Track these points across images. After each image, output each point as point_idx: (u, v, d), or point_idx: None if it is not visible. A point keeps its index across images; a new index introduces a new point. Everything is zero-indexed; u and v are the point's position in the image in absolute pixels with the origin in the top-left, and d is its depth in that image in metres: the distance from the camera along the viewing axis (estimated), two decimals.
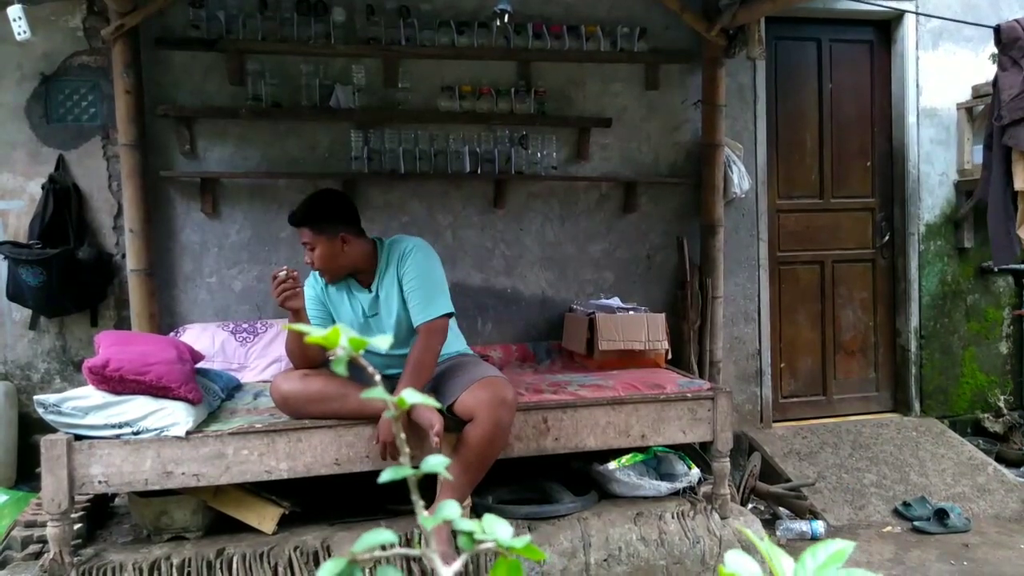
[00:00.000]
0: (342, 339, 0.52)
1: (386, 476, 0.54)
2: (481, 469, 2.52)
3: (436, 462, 0.55)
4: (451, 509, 0.53)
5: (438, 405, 0.69)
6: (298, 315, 2.51)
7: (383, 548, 0.53)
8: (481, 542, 0.51)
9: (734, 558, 0.69)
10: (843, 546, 0.71)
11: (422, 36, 3.63)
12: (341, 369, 0.53)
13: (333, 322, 2.76)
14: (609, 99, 3.94)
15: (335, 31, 3.54)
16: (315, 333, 0.54)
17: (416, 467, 0.57)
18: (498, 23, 3.54)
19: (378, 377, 0.57)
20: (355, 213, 2.70)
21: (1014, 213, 3.29)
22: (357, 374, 2.31)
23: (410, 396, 0.54)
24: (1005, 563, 3.05)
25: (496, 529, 0.51)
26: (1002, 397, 4.47)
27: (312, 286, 2.74)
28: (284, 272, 2.45)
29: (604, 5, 3.90)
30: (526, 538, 0.51)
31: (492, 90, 3.73)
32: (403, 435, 0.54)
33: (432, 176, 3.70)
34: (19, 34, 2.69)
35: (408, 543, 2.60)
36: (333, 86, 3.57)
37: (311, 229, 2.58)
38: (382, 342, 0.55)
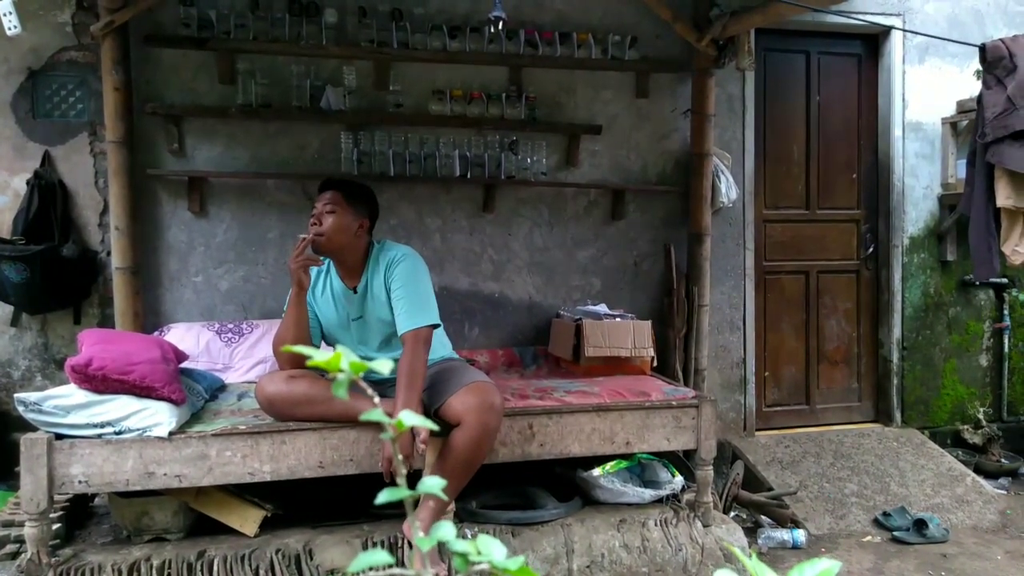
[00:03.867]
0: (343, 362, 0.52)
1: (383, 497, 0.54)
2: (467, 474, 2.52)
3: (433, 483, 0.55)
4: (446, 530, 0.53)
5: (435, 428, 0.69)
6: (301, 293, 2.55)
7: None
8: (475, 563, 0.51)
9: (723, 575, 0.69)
10: (830, 565, 0.72)
11: (414, 39, 3.62)
12: (342, 393, 0.53)
13: (318, 324, 2.77)
14: (599, 106, 3.96)
15: (327, 32, 3.53)
16: (317, 356, 0.54)
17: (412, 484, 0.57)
18: (491, 29, 3.54)
19: (377, 399, 0.57)
20: (377, 219, 2.80)
21: (996, 229, 3.33)
22: None
23: (408, 418, 0.54)
24: (982, 573, 3.09)
25: (491, 550, 0.52)
26: (981, 409, 4.52)
27: None
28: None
29: (596, 13, 3.92)
30: (520, 559, 0.52)
31: (483, 95, 3.74)
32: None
33: (422, 179, 3.70)
34: (9, 29, 2.65)
35: (391, 548, 2.60)
36: (324, 87, 3.56)
37: (344, 196, 2.64)
38: (383, 367, 0.56)
